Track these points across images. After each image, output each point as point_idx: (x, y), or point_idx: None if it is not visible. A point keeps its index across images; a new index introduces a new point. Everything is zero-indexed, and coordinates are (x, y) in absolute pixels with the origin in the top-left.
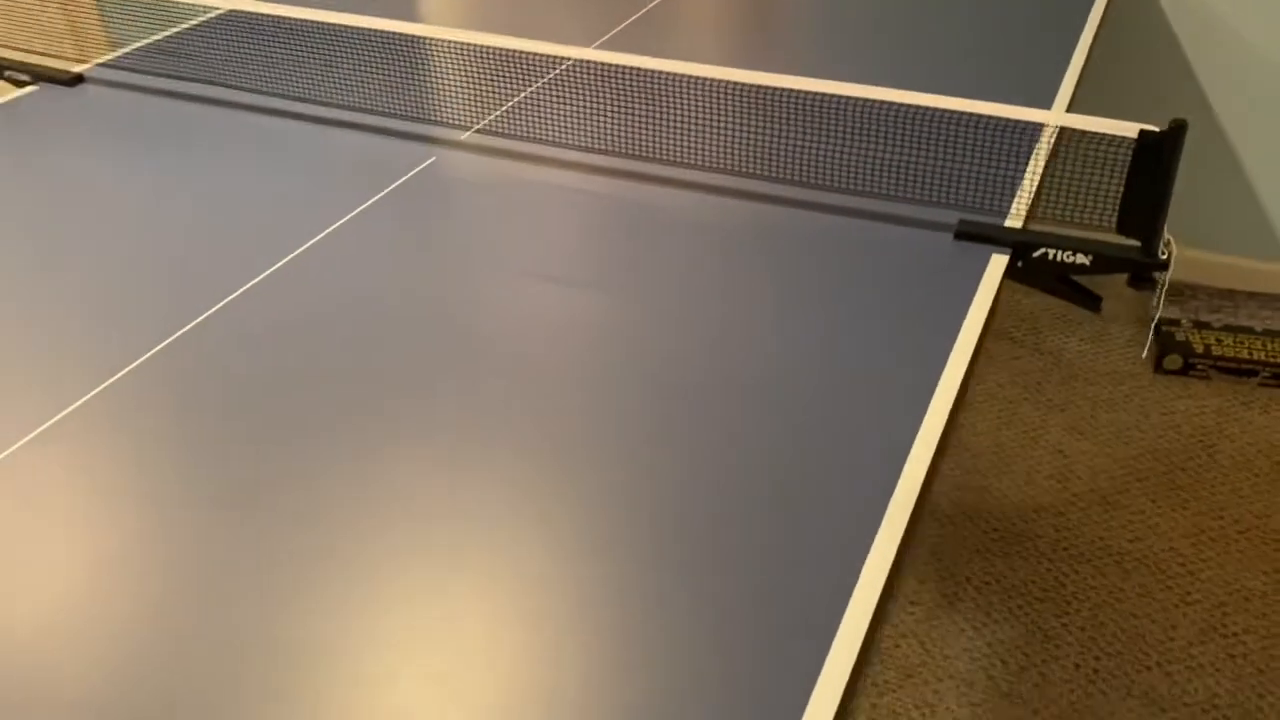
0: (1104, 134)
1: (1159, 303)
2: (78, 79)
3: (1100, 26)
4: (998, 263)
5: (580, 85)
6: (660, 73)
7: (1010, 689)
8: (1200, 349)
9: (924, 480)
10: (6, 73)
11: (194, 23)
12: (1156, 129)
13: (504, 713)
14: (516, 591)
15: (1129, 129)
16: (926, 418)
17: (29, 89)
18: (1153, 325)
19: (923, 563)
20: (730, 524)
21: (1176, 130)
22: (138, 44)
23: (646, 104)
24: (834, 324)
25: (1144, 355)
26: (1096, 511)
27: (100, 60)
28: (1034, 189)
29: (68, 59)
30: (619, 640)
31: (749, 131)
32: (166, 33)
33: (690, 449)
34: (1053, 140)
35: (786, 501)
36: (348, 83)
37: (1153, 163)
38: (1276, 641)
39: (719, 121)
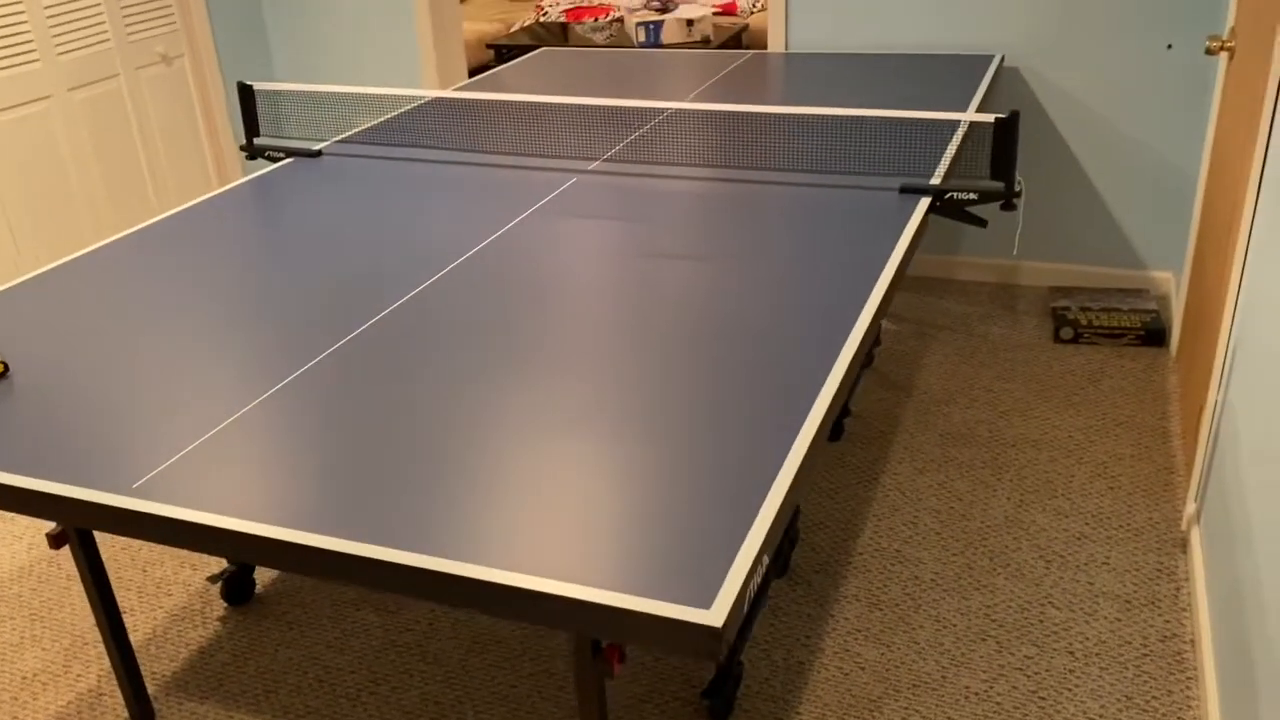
0: (981, 122)
1: (1019, 226)
2: (318, 154)
3: (990, 87)
4: (924, 203)
5: (677, 126)
6: (731, 112)
7: (965, 512)
8: (1085, 322)
9: (880, 302)
10: (267, 153)
11: (404, 109)
12: (1004, 115)
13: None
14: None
15: (991, 117)
16: (889, 259)
17: (283, 162)
18: (1051, 310)
19: (898, 454)
20: (762, 356)
21: (1014, 115)
22: (363, 126)
23: (718, 135)
24: (831, 238)
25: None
26: (1017, 419)
27: (336, 139)
28: (947, 161)
29: (310, 140)
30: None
31: (783, 142)
32: (383, 117)
33: (741, 313)
34: (963, 130)
35: (785, 340)
36: (509, 138)
37: (1006, 134)
38: (1139, 483)
39: (765, 139)
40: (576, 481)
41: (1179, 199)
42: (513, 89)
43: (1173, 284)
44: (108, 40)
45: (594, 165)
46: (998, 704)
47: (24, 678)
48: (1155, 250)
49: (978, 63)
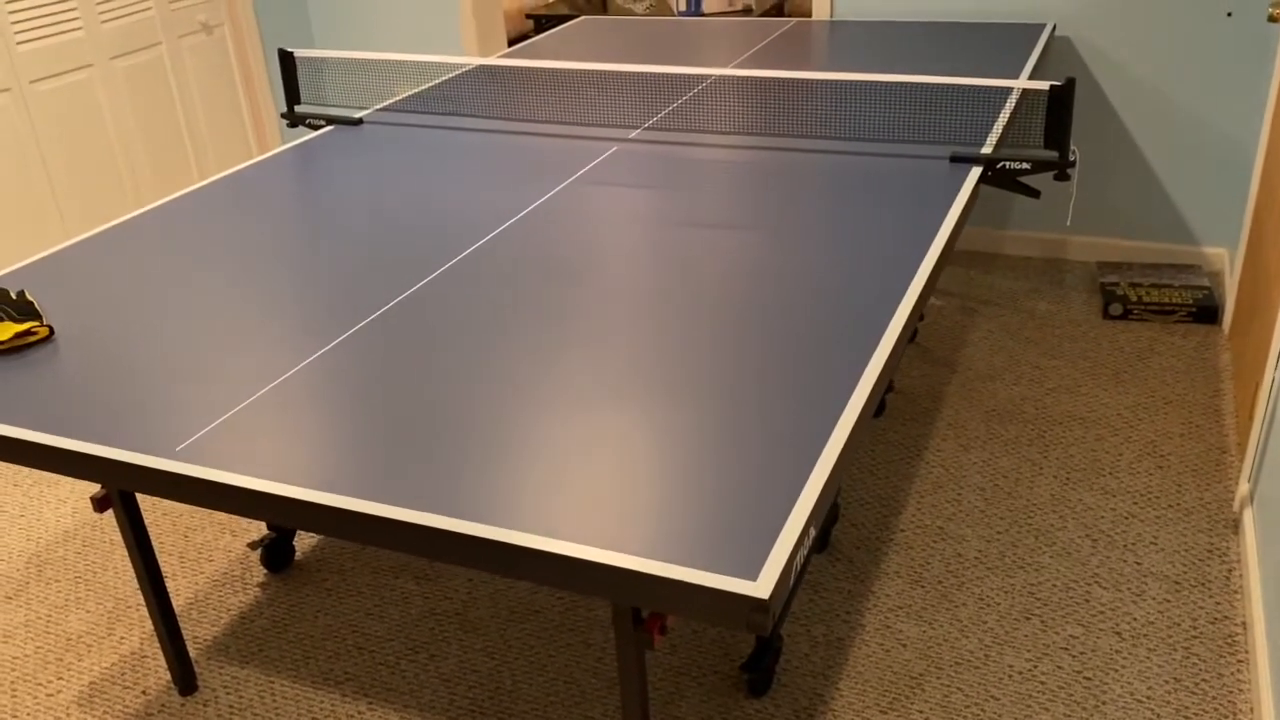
0: (1033, 91)
1: (1072, 197)
2: (359, 121)
3: (1041, 56)
4: (975, 172)
5: (719, 95)
6: (774, 79)
7: (1010, 490)
8: (1135, 298)
9: (930, 274)
10: (308, 120)
11: (444, 78)
12: (1059, 83)
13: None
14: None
15: (1045, 85)
16: (938, 232)
17: (324, 130)
18: (1100, 285)
19: (942, 430)
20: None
21: (1070, 82)
22: (403, 95)
23: (761, 103)
24: (879, 208)
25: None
26: (1064, 396)
27: (377, 107)
28: (999, 129)
29: (350, 108)
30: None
31: (829, 110)
32: (424, 86)
33: (798, 282)
34: (1015, 98)
35: (831, 312)
36: (549, 107)
37: (1060, 103)
38: (1190, 462)
39: (810, 107)
40: (621, 450)
41: (1235, 173)
42: (553, 58)
43: (1226, 260)
44: (149, 9)
45: (634, 134)
46: (1042, 683)
47: (69, 639)
48: (1209, 225)
49: (1029, 31)
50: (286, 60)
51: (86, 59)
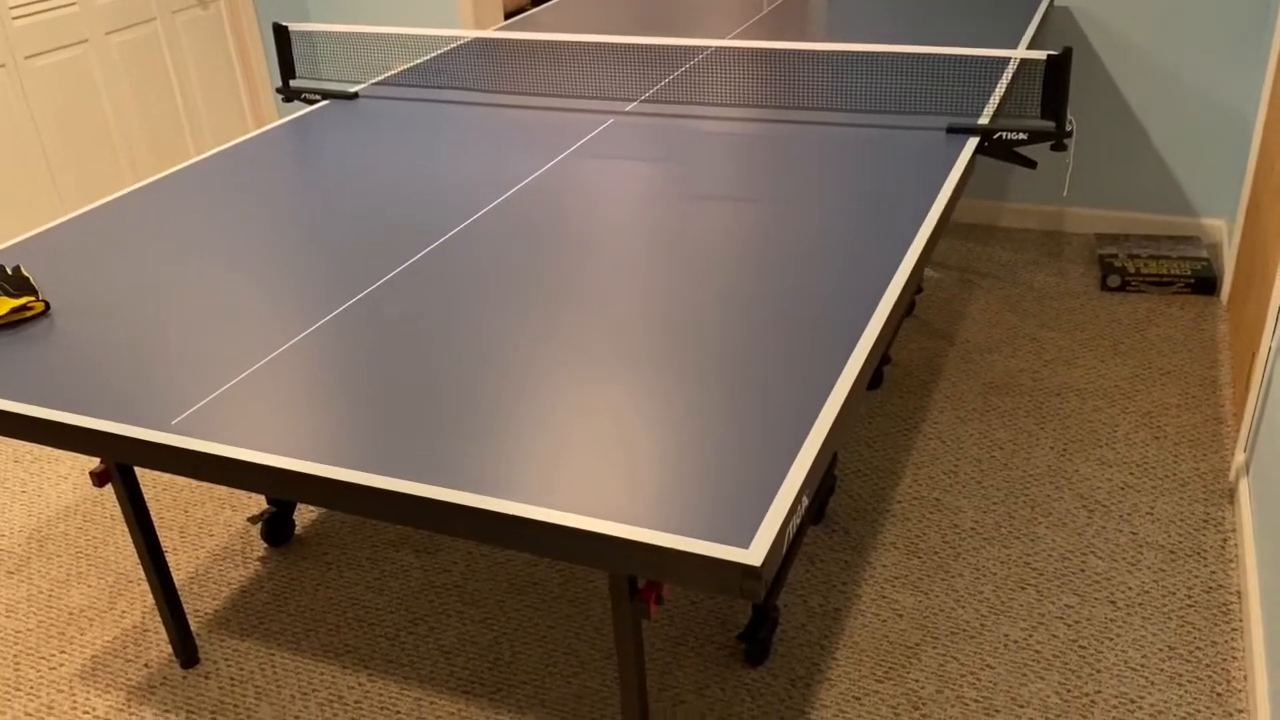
0: (1031, 60)
1: (1069, 168)
2: (354, 96)
3: (1040, 26)
4: (972, 143)
5: (716, 66)
6: (773, 50)
7: (1007, 461)
8: (1133, 270)
9: (925, 245)
10: (303, 95)
11: (440, 51)
12: (1057, 52)
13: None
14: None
15: (1043, 54)
16: (934, 203)
17: (320, 104)
18: (1098, 257)
19: (939, 402)
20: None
21: (1067, 51)
22: (399, 69)
23: (759, 74)
24: (875, 179)
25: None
26: (1061, 367)
27: (372, 81)
28: (996, 100)
29: (346, 82)
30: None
31: (826, 81)
32: (419, 59)
33: (801, 241)
34: (1013, 68)
35: (826, 284)
36: (546, 80)
37: (1057, 72)
38: (1186, 432)
39: (808, 77)
40: (616, 421)
41: (1234, 143)
42: (550, 30)
43: (1225, 231)
44: None
45: (631, 106)
46: (1037, 652)
47: (71, 613)
48: (1207, 196)
49: (1028, 1)
50: (281, 34)
51: (81, 34)
